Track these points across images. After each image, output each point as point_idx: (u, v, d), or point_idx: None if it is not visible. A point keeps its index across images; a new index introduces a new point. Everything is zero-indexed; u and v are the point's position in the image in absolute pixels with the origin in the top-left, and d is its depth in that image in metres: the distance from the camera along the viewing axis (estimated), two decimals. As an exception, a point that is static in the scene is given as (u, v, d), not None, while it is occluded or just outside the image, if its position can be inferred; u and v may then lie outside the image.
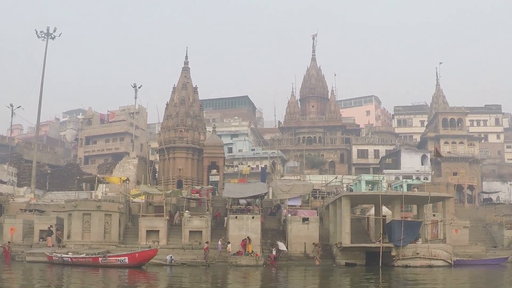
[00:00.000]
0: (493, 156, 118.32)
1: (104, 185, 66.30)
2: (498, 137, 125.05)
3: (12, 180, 79.44)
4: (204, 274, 36.51)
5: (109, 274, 33.89)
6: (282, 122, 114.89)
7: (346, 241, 46.39)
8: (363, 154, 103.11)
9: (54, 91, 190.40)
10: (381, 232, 48.36)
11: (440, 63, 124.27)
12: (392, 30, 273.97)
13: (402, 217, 48.34)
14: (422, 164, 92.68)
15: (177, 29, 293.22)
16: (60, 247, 47.40)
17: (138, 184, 65.64)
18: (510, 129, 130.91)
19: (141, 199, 56.75)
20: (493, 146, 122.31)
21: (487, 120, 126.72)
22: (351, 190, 66.53)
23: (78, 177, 73.55)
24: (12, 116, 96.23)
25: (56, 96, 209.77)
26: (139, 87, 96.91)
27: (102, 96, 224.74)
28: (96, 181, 63.20)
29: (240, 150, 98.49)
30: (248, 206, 55.43)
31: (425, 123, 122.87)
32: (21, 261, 45.33)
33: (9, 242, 49.76)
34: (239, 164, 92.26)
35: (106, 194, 56.68)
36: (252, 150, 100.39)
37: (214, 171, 74.53)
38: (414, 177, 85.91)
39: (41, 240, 50.82)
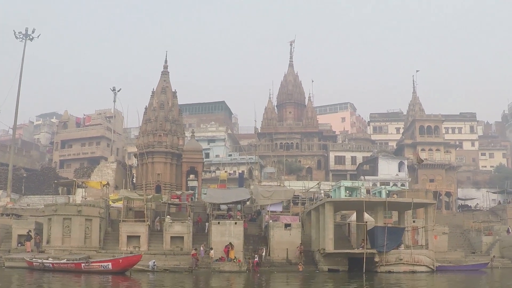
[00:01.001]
0: (468, 163, 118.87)
1: (82, 189, 65.56)
2: (472, 144, 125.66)
3: (-14, 184, 78.32)
4: (192, 281, 36.04)
5: (92, 280, 33.16)
6: (259, 128, 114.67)
7: (330, 247, 46.35)
8: (340, 160, 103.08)
9: (26, 94, 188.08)
10: (364, 238, 48.43)
11: (417, 71, 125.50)
12: (368, 37, 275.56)
13: (385, 223, 48.41)
14: (399, 171, 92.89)
15: (156, 33, 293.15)
16: (39, 252, 46.50)
17: (117, 189, 65.00)
18: (484, 136, 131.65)
19: (119, 204, 56.24)
20: (468, 154, 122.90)
21: (462, 127, 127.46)
22: (329, 196, 66.49)
23: (55, 181, 72.57)
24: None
25: (29, 99, 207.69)
26: (119, 91, 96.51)
27: (77, 99, 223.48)
28: (75, 185, 62.47)
29: (217, 156, 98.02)
30: (230, 212, 54.95)
31: (401, 130, 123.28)
32: (-1, 266, 44.67)
33: (-14, 247, 49.07)
34: (216, 170, 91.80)
35: (85, 198, 55.91)
36: (229, 155, 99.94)
37: (191, 176, 73.94)
38: (391, 184, 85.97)
39: (20, 245, 49.72)
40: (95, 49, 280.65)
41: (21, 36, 79.81)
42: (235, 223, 48.39)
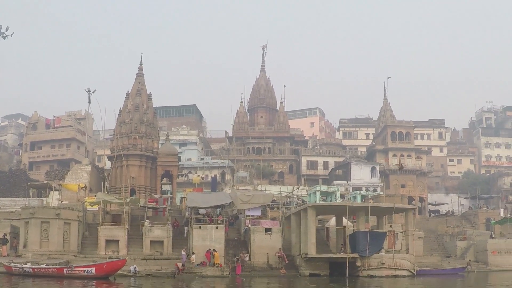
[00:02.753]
0: (436, 169, 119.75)
1: (56, 192, 64.52)
2: (441, 150, 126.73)
3: (-45, 186, 76.77)
4: (177, 286, 35.48)
5: (76, 286, 32.27)
6: (229, 132, 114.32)
7: (312, 252, 46.27)
8: (312, 165, 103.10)
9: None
10: (343, 243, 48.47)
11: (388, 77, 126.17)
12: (337, 43, 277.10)
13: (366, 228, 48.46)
14: (372, 176, 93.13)
15: (129, 35, 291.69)
16: (16, 256, 45.34)
17: (91, 192, 63.98)
18: (452, 143, 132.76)
19: (95, 208, 55.47)
20: (437, 160, 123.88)
21: (431, 134, 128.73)
22: (303, 201, 66.45)
23: (28, 183, 71.35)
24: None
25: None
26: (93, 92, 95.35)
27: (46, 100, 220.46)
28: (48, 188, 61.48)
29: (189, 159, 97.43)
30: (207, 216, 54.31)
31: (370, 136, 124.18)
32: (-27, 272, 43.50)
33: (-41, 251, 47.80)
34: (188, 173, 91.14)
35: (61, 201, 54.87)
36: (201, 159, 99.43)
37: (165, 180, 73.25)
38: (364, 189, 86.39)
39: (-6, 249, 48.81)
40: (66, 49, 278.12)
41: (-6, 34, 78.70)
42: (217, 227, 47.86)
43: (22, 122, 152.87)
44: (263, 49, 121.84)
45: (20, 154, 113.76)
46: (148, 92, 72.38)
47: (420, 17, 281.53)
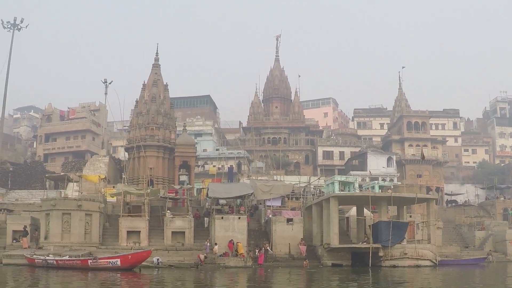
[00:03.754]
0: (451, 159, 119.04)
1: (74, 184, 64.40)
2: (455, 140, 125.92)
3: (-28, 178, 76.77)
4: (202, 277, 35.21)
5: (104, 277, 31.79)
6: (244, 123, 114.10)
7: (335, 242, 45.98)
8: (328, 155, 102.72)
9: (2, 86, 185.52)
10: (366, 233, 48.24)
11: (403, 67, 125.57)
12: (351, 33, 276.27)
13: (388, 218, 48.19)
14: (388, 166, 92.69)
15: (143, 25, 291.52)
16: (37, 248, 45.13)
17: (109, 183, 63.79)
18: (467, 133, 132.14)
19: (113, 199, 55.30)
20: (451, 149, 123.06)
21: (445, 124, 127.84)
22: (320, 192, 66.21)
23: (46, 175, 71.28)
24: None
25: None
26: (110, 83, 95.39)
27: (57, 93, 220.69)
28: (66, 179, 61.45)
29: (204, 150, 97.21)
30: (225, 206, 54.01)
31: (385, 126, 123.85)
32: (-6, 264, 43.30)
33: (-19, 243, 47.72)
34: (204, 164, 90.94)
35: (81, 193, 54.76)
36: (217, 150, 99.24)
37: (182, 171, 73.02)
38: (380, 179, 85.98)
39: (15, 241, 48.34)
40: (77, 42, 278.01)
41: (8, 26, 78.39)
42: (239, 218, 47.64)
43: (34, 114, 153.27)
44: (277, 39, 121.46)
45: (34, 146, 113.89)
46: (165, 83, 71.96)
47: (434, 7, 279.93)
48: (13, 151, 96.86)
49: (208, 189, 51.72)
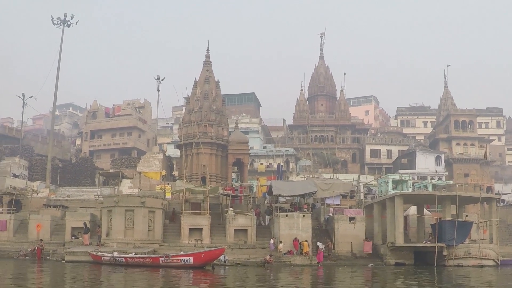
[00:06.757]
0: (495, 158, 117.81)
1: (127, 180, 64.57)
2: (499, 139, 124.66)
3: (24, 174, 77.08)
4: (274, 274, 34.78)
5: (173, 275, 31.49)
6: (288, 120, 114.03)
7: (400, 241, 45.81)
8: (376, 154, 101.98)
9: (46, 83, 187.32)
10: (431, 232, 47.63)
11: (448, 65, 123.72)
12: (391, 30, 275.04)
13: (438, 218, 47.97)
14: (436, 165, 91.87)
15: (191, 23, 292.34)
16: (101, 245, 45.03)
17: (163, 180, 63.79)
18: (510, 131, 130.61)
19: (168, 196, 55.24)
20: (495, 148, 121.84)
21: (488, 122, 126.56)
22: (369, 190, 65.76)
23: (100, 172, 71.27)
24: (23, 107, 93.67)
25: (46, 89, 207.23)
26: (163, 80, 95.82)
27: (94, 90, 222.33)
28: (120, 176, 61.57)
29: (251, 148, 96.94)
30: (285, 204, 53.71)
31: (428, 124, 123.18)
32: (56, 261, 43.03)
33: (41, 240, 47.70)
34: (253, 162, 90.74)
35: (140, 189, 54.69)
36: (264, 147, 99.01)
37: (234, 168, 73.04)
38: (428, 178, 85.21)
39: (74, 238, 48.53)
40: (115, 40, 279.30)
41: (58, 23, 78.61)
42: (303, 216, 47.27)
43: (73, 111, 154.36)
44: (321, 37, 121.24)
45: (76, 143, 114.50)
46: (216, 80, 71.80)
47: (476, 4, 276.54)
48: (60, 148, 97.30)
49: (271, 187, 51.06)
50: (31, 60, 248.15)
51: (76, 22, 79.62)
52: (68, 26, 79.20)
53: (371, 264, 44.61)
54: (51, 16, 78.12)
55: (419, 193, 54.87)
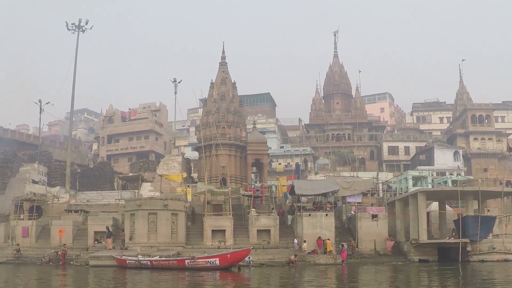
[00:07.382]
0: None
1: (147, 183, 64.68)
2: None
3: (43, 180, 77.29)
4: (301, 275, 34.72)
5: (200, 277, 31.39)
6: (304, 120, 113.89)
7: (424, 237, 45.79)
8: (393, 150, 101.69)
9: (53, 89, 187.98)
10: (454, 228, 47.47)
11: (463, 60, 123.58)
12: (404, 27, 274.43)
13: (461, 213, 47.89)
14: (455, 160, 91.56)
15: (197, 26, 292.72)
16: (124, 249, 45.07)
17: (184, 182, 63.86)
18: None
19: (189, 198, 55.27)
20: (511, 142, 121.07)
21: (505, 116, 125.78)
22: (388, 187, 65.59)
23: (120, 176, 71.51)
24: (40, 113, 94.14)
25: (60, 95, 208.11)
26: (179, 82, 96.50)
27: (108, 95, 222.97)
28: (140, 179, 61.68)
29: (269, 148, 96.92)
30: (307, 203, 53.72)
31: (444, 120, 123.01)
32: (80, 266, 43.23)
33: (64, 245, 47.90)
34: (271, 162, 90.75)
35: (161, 192, 54.79)
36: (281, 147, 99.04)
37: (253, 169, 73.04)
38: (447, 173, 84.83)
39: (96, 242, 48.72)
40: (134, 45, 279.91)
41: (73, 28, 78.75)
42: (326, 214, 47.32)
43: (88, 116, 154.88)
44: (334, 35, 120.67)
45: (93, 148, 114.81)
46: (233, 81, 71.87)
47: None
48: (77, 153, 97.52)
49: (294, 186, 51.04)
50: (45, 66, 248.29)
51: (91, 27, 79.57)
52: (83, 31, 79.25)
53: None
54: (66, 21, 78.24)
55: (442, 189, 54.70)
